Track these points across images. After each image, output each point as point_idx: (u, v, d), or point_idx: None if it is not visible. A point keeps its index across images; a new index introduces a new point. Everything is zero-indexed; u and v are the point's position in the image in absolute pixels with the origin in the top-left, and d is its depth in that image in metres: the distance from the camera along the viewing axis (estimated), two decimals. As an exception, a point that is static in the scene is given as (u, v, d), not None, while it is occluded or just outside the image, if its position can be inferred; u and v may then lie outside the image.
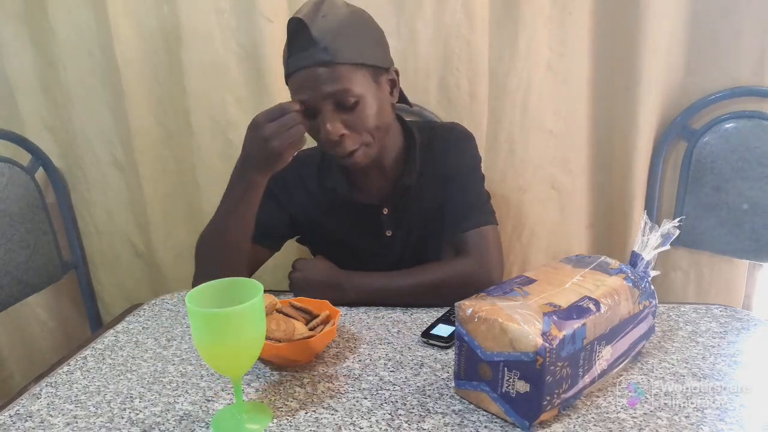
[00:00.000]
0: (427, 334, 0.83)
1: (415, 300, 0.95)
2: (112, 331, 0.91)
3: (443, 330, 0.84)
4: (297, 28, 0.86)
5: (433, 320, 0.88)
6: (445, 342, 0.81)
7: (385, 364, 0.78)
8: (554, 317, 0.62)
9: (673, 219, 0.74)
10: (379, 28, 0.94)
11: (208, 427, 0.66)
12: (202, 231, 1.00)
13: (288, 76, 0.91)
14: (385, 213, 1.02)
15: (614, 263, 0.76)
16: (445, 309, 0.91)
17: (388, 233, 1.03)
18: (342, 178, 1.02)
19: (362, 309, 0.94)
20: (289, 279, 0.97)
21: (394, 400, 0.69)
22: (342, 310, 0.91)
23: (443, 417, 0.66)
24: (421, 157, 1.02)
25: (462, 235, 0.98)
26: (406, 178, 1.00)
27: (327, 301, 0.85)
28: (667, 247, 0.75)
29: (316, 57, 0.86)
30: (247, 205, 0.92)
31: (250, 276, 1.01)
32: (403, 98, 1.01)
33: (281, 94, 1.30)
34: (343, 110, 0.89)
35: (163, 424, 0.66)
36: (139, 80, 1.33)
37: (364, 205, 1.02)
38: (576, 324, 0.62)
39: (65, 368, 0.80)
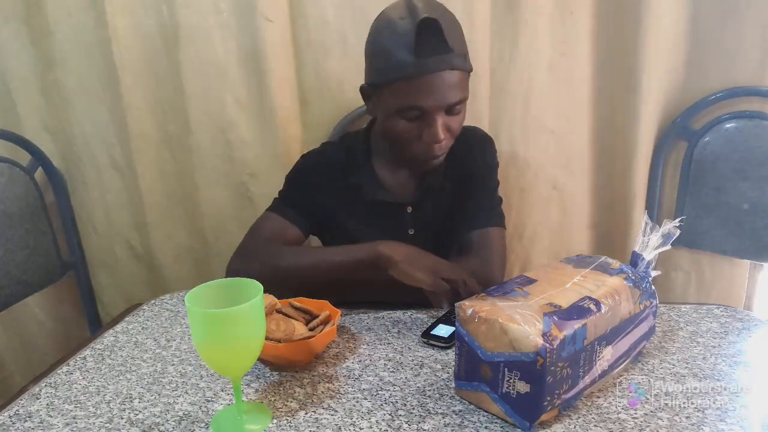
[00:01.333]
0: (427, 335, 0.83)
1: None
2: (111, 331, 0.90)
3: (443, 330, 0.84)
4: (433, 30, 0.82)
5: (433, 320, 0.88)
6: (446, 342, 0.81)
7: (385, 364, 0.77)
8: (555, 317, 0.61)
9: (674, 219, 0.74)
10: None
11: (207, 428, 0.66)
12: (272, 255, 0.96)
13: (407, 78, 0.85)
14: (408, 212, 1.02)
15: (615, 263, 0.76)
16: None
17: (411, 232, 1.03)
18: (368, 175, 1.02)
19: (362, 309, 0.94)
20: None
21: (394, 400, 0.69)
22: (342, 310, 0.91)
23: (443, 418, 0.65)
24: (447, 157, 1.02)
25: (467, 234, 0.98)
26: (432, 177, 1.01)
27: (327, 302, 0.85)
28: (668, 247, 0.75)
29: (454, 63, 0.84)
30: (349, 265, 0.89)
31: None
32: None
33: (281, 94, 1.30)
34: (449, 115, 0.89)
35: (163, 425, 0.66)
36: (138, 81, 1.33)
37: (389, 203, 1.02)
38: (576, 324, 0.62)
39: (64, 369, 0.80)
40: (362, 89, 0.96)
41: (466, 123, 1.16)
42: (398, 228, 1.03)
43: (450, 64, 0.84)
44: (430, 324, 0.86)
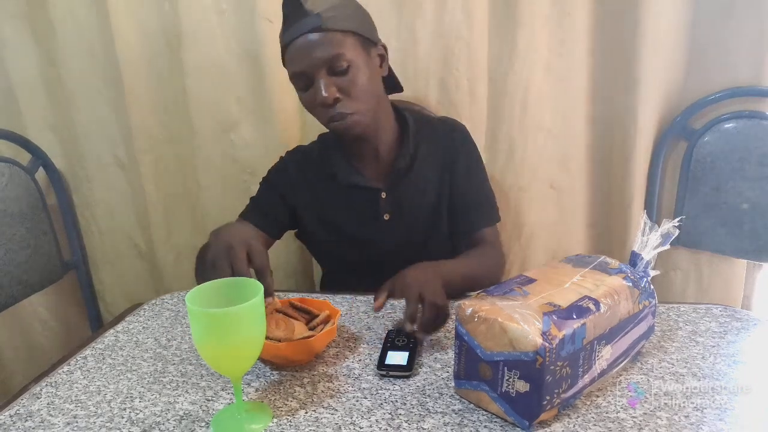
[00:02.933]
0: (383, 366, 0.75)
1: (465, 289, 0.94)
2: (112, 330, 0.91)
3: (398, 357, 0.76)
4: (290, 2, 0.90)
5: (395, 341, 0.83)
6: (406, 371, 0.74)
7: (385, 363, 0.77)
8: (554, 317, 0.62)
9: (673, 219, 0.74)
10: (365, 10, 0.98)
11: (208, 427, 0.66)
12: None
13: (284, 52, 0.94)
14: (383, 197, 1.03)
15: (614, 263, 0.76)
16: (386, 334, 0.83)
17: (386, 217, 1.04)
18: (341, 163, 1.04)
19: (362, 309, 0.94)
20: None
21: (393, 399, 0.69)
22: (342, 310, 0.91)
23: (443, 417, 0.66)
24: (418, 144, 1.04)
25: (482, 231, 1.03)
26: (401, 160, 1.03)
27: (327, 301, 0.85)
28: (667, 246, 0.75)
29: (309, 24, 0.89)
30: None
31: None
32: (395, 81, 1.05)
33: (282, 94, 1.31)
34: (337, 75, 0.91)
35: (163, 424, 0.66)
36: (140, 80, 1.34)
37: (363, 188, 1.03)
38: (576, 324, 0.62)
39: (65, 368, 0.80)
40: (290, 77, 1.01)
41: (462, 121, 1.17)
42: (374, 213, 1.04)
43: (309, 26, 0.89)
44: (380, 353, 0.78)
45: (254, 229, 1.00)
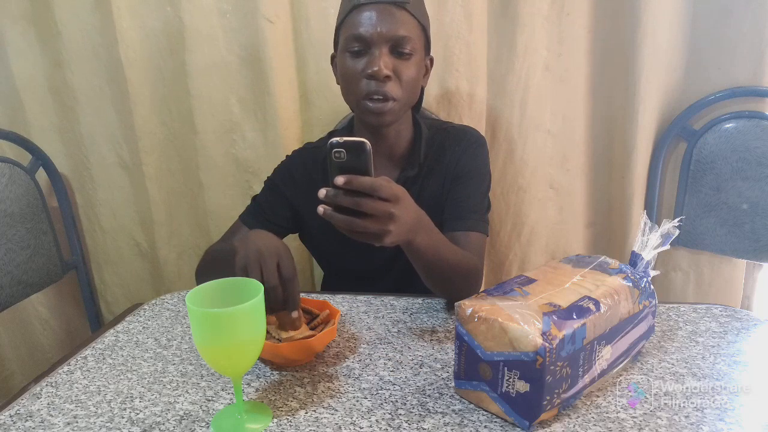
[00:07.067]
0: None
1: (440, 273, 0.88)
2: (112, 330, 0.91)
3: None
4: None
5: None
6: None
7: (385, 363, 0.78)
8: (554, 317, 0.62)
9: (673, 219, 0.74)
10: None
11: (208, 427, 0.66)
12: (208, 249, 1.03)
13: (352, 10, 0.91)
14: None
15: (614, 263, 0.76)
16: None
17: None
18: None
19: (362, 309, 0.94)
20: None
21: (394, 399, 0.69)
22: (342, 310, 0.91)
23: (443, 417, 0.66)
24: (429, 153, 1.02)
25: (466, 233, 0.97)
26: (409, 169, 1.01)
27: (327, 301, 0.85)
28: (667, 247, 0.75)
29: None
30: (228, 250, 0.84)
31: None
32: (420, 98, 1.04)
33: (283, 94, 1.31)
34: (396, 56, 0.91)
35: (163, 424, 0.67)
36: (144, 81, 1.34)
37: None
38: (576, 324, 0.62)
39: (65, 368, 0.80)
40: (331, 57, 1.01)
41: (461, 122, 1.17)
42: None
43: None
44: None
45: (282, 242, 0.86)
